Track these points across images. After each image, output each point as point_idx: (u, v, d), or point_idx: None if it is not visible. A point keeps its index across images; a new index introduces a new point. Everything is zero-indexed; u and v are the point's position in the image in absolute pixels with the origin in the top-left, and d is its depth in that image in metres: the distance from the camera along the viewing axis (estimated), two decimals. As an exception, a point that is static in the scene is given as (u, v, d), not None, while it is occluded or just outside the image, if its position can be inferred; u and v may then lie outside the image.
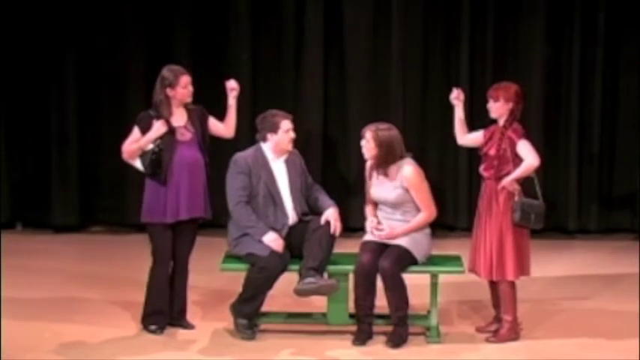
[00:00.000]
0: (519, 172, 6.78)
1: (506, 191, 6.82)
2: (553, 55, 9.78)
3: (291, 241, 6.87)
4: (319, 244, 6.80)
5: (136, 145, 6.82)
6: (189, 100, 6.93)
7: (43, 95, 9.85)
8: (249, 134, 9.51)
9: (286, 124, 6.93)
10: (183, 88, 6.86)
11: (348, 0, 9.81)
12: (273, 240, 6.78)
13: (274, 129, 6.91)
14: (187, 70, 6.95)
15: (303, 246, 6.83)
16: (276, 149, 6.93)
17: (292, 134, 6.95)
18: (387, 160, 6.86)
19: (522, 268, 6.90)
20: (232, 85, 7.16)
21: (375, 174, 6.96)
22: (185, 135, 6.89)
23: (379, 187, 6.93)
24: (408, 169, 6.86)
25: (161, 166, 6.79)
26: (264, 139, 6.95)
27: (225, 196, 9.28)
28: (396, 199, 6.87)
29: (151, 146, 6.79)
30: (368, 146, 6.88)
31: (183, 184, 6.83)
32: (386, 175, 6.89)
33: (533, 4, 9.73)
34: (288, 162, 6.99)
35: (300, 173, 7.04)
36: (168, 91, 6.85)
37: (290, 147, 6.98)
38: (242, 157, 6.95)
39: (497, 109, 6.89)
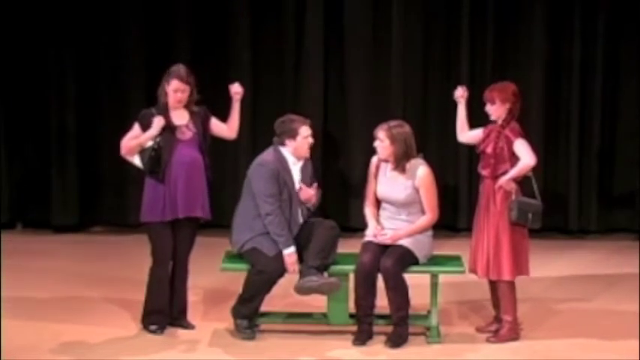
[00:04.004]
0: (515, 171, 6.77)
1: (503, 190, 6.81)
2: (553, 54, 9.78)
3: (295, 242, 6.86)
4: (321, 243, 6.79)
5: (135, 141, 6.81)
6: (179, 105, 6.85)
7: (42, 95, 9.83)
8: (249, 135, 9.58)
9: (305, 130, 6.88)
10: (173, 91, 6.83)
11: (348, 0, 9.82)
12: (289, 256, 6.75)
13: (293, 135, 6.84)
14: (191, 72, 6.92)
15: (305, 246, 6.82)
16: (295, 154, 6.89)
17: (311, 140, 6.91)
18: (405, 155, 6.81)
19: (519, 268, 6.89)
20: (236, 89, 7.12)
21: (383, 172, 6.93)
22: (186, 134, 6.87)
23: (389, 186, 6.89)
24: (422, 169, 6.83)
25: (160, 163, 6.78)
26: (283, 144, 6.87)
27: (225, 197, 9.42)
28: (406, 199, 6.84)
29: (150, 143, 6.79)
30: (382, 145, 6.82)
31: (180, 182, 6.81)
32: (403, 171, 6.85)
33: (533, 3, 9.73)
34: (302, 167, 6.95)
35: (310, 179, 7.01)
36: (166, 86, 6.87)
37: (308, 153, 6.94)
38: (269, 160, 6.84)
39: (495, 110, 6.89)
